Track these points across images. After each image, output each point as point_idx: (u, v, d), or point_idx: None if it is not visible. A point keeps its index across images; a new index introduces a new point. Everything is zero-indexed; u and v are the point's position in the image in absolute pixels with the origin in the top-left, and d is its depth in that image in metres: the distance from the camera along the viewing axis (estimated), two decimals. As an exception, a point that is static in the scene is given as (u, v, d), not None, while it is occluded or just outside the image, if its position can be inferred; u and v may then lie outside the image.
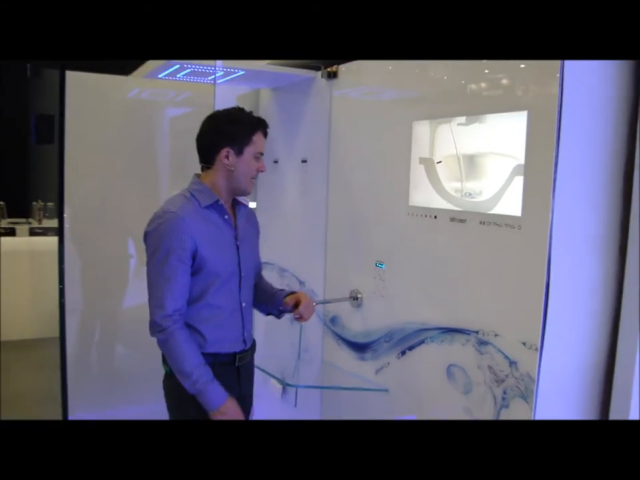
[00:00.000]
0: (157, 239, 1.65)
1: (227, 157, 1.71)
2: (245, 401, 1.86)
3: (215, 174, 1.74)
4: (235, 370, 1.79)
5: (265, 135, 1.78)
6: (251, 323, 1.87)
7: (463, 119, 1.70)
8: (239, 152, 1.71)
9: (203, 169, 1.77)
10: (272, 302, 1.91)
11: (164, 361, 1.74)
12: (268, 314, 1.97)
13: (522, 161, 1.51)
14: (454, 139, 1.72)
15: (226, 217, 1.75)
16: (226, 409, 1.64)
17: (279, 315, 1.93)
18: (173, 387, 1.74)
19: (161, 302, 1.63)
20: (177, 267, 1.63)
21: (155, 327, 1.65)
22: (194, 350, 1.66)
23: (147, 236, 1.70)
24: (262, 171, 1.77)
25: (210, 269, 1.68)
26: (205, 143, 1.76)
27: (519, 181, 1.52)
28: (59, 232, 2.56)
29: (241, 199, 1.83)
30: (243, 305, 1.80)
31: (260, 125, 1.76)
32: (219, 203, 1.73)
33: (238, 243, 1.77)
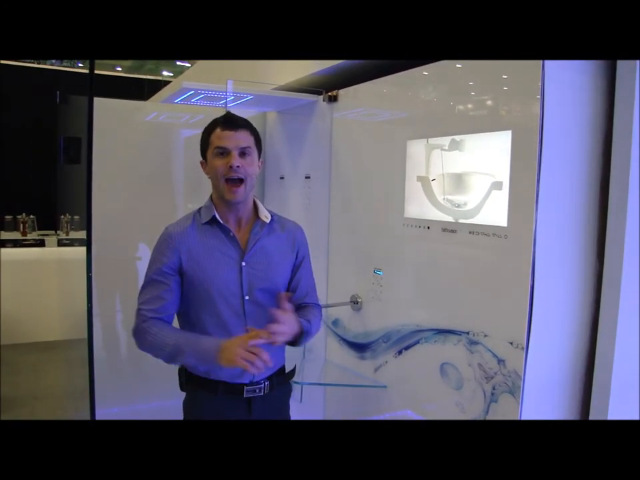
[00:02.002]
0: (151, 254, 1.55)
1: (203, 168, 1.55)
2: None
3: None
4: (245, 402, 1.53)
5: (225, 127, 1.49)
6: (268, 352, 1.38)
7: (449, 143, 1.69)
8: (206, 159, 1.52)
9: None
10: None
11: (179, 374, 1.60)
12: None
13: (498, 178, 1.52)
14: (442, 160, 1.72)
15: (231, 234, 1.52)
16: (224, 349, 1.37)
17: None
18: (185, 400, 1.61)
19: (140, 308, 1.50)
20: (155, 279, 1.49)
21: (133, 329, 1.50)
22: (168, 329, 1.46)
23: None
24: (232, 166, 1.45)
25: (196, 285, 1.48)
26: None
27: (495, 193, 1.53)
28: (87, 242, 2.55)
29: (262, 213, 1.58)
30: (250, 331, 1.42)
31: (216, 122, 1.52)
32: (215, 218, 1.51)
33: (244, 262, 1.51)
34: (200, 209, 1.57)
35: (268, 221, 1.58)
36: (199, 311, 1.51)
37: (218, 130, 1.50)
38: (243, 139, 1.49)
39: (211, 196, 1.57)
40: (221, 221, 1.52)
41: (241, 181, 1.47)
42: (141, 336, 1.48)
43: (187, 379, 1.58)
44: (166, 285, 1.49)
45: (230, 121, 1.51)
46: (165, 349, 1.44)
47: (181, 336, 1.46)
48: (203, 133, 1.55)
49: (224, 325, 1.50)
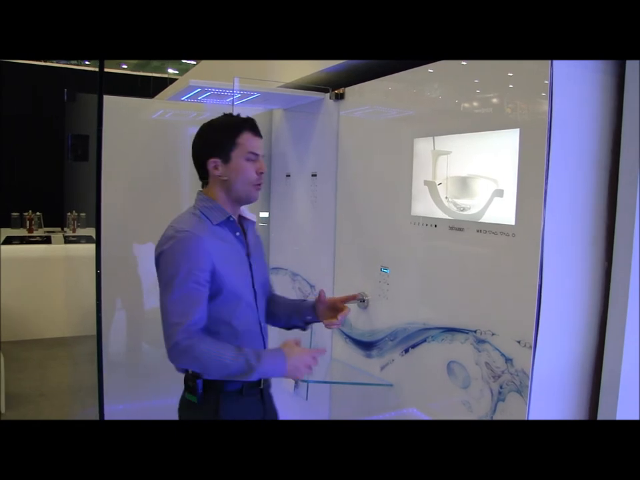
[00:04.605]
0: (174, 260, 1.39)
1: (216, 168, 1.48)
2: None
3: (214, 188, 1.51)
4: (259, 392, 1.57)
5: (255, 133, 1.51)
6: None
7: (455, 150, 1.69)
8: (227, 159, 1.47)
9: (203, 185, 1.56)
10: (298, 313, 1.67)
11: (189, 390, 1.49)
12: (290, 327, 1.70)
13: (500, 186, 1.52)
14: (448, 162, 1.72)
15: (237, 233, 1.54)
16: (292, 364, 1.39)
17: (305, 326, 1.69)
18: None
19: (177, 322, 1.37)
20: (196, 289, 1.38)
21: (176, 348, 1.36)
22: (224, 345, 1.39)
23: (160, 256, 1.43)
24: (262, 172, 1.50)
25: (229, 289, 1.46)
26: (195, 158, 1.54)
27: (497, 200, 1.54)
28: (97, 240, 2.56)
29: (247, 214, 1.63)
30: (262, 324, 1.59)
31: (244, 125, 1.50)
32: (231, 219, 1.52)
33: (250, 260, 1.57)
34: (201, 209, 1.51)
35: (253, 219, 1.65)
36: (233, 315, 1.49)
37: (249, 134, 1.50)
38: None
39: (213, 196, 1.53)
40: (236, 221, 1.56)
41: None
42: (190, 354, 1.36)
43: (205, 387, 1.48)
44: (203, 295, 1.40)
45: (257, 128, 1.54)
46: (230, 367, 1.36)
47: (247, 351, 1.38)
48: (223, 131, 1.51)
49: (249, 324, 1.55)
